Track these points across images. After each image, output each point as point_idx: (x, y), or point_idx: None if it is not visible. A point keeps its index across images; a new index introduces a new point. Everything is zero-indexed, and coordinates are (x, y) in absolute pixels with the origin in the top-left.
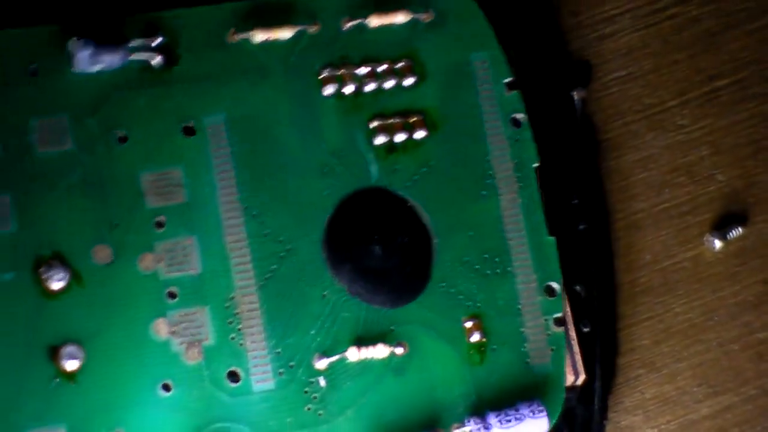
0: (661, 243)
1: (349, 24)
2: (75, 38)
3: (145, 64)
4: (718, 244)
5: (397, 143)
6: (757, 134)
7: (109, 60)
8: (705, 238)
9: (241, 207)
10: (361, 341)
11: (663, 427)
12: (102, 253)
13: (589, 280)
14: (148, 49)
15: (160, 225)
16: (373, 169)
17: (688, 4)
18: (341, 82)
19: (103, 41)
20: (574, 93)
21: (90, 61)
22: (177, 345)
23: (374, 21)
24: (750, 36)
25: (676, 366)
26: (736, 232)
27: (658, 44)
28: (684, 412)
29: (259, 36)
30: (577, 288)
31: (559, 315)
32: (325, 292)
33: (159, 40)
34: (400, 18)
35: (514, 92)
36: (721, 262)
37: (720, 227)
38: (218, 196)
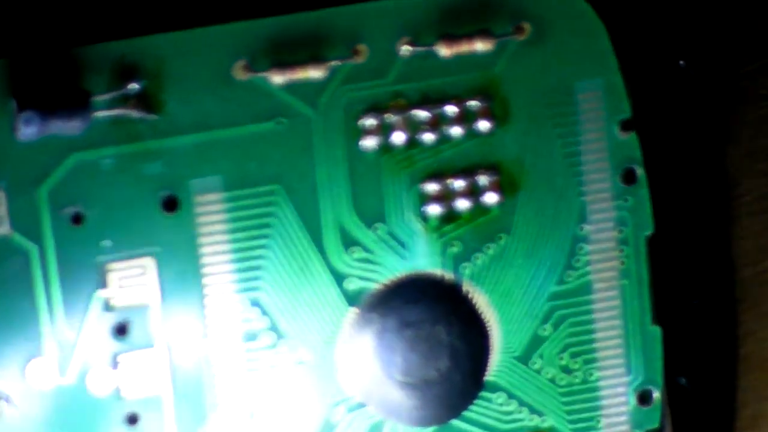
0: None
1: (409, 49)
2: (17, 108)
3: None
4: None
5: (458, 211)
6: None
7: (64, 128)
8: None
9: (235, 304)
10: None
11: None
12: (42, 373)
13: (699, 373)
14: (119, 103)
15: (121, 331)
16: (421, 246)
17: None
18: (388, 130)
19: (57, 105)
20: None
21: (39, 133)
22: None
23: (444, 50)
24: None
25: None
26: None
27: None
28: None
29: (278, 78)
30: (682, 381)
31: (653, 428)
32: (338, 407)
33: (135, 87)
34: (481, 45)
35: (631, 134)
36: None
37: None
38: (203, 289)
